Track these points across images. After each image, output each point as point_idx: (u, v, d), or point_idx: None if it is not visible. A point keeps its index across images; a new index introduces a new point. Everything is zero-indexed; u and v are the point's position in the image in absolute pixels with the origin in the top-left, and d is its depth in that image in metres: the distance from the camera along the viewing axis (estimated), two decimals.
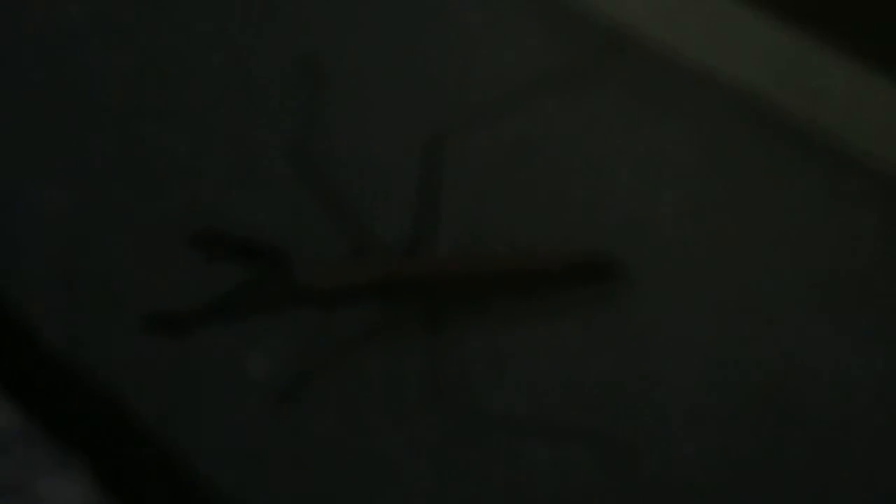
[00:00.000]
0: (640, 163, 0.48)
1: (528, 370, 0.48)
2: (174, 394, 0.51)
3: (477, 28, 0.51)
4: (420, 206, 0.49)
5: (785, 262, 0.47)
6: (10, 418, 0.49)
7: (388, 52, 0.52)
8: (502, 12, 0.51)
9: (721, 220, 0.47)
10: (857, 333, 0.45)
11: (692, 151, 0.48)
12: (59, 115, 0.55)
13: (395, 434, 0.49)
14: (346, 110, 0.52)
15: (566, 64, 0.49)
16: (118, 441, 0.51)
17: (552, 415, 0.48)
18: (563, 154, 0.49)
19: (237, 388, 0.51)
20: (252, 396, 0.50)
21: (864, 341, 0.45)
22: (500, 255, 0.48)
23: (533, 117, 0.49)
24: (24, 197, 0.55)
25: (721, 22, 0.48)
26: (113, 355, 0.52)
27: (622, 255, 0.48)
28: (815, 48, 0.48)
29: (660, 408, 0.47)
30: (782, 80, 0.48)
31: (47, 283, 0.53)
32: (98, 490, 0.48)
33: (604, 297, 0.48)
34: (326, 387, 0.50)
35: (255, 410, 0.50)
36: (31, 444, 0.49)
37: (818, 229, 0.46)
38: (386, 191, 0.50)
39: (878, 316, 0.46)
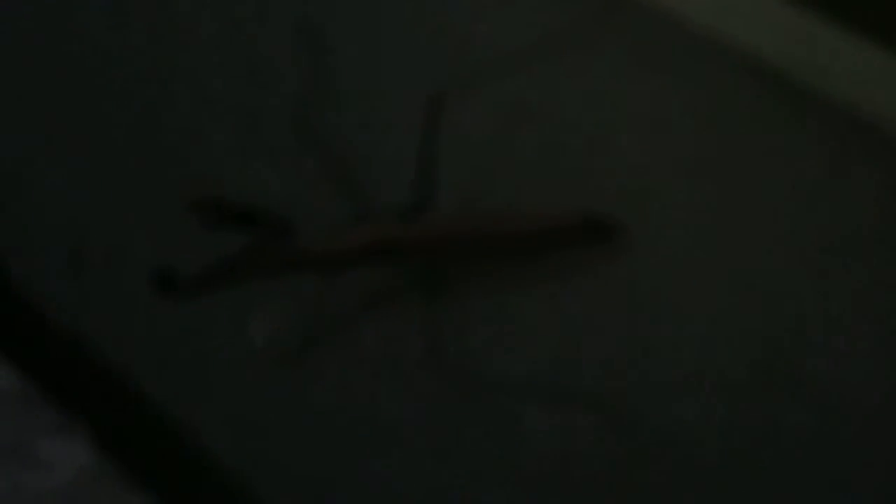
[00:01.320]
0: (640, 126, 0.48)
1: (527, 335, 0.48)
2: (173, 360, 0.51)
3: None
4: (419, 170, 0.49)
5: (788, 227, 0.46)
6: (9, 380, 0.49)
7: (388, 17, 0.51)
8: None
9: (722, 185, 0.47)
10: (860, 300, 0.45)
11: (693, 115, 0.48)
12: (60, 90, 0.55)
13: (394, 399, 0.49)
14: (347, 75, 0.51)
15: (566, 26, 0.49)
16: (117, 406, 0.51)
17: (551, 380, 0.48)
18: (563, 116, 0.49)
19: (237, 354, 0.51)
20: (251, 362, 0.50)
21: (867, 309, 0.45)
22: (499, 217, 0.47)
23: (533, 79, 0.49)
24: (26, 171, 0.55)
25: None
26: (114, 323, 0.52)
27: (623, 219, 0.48)
28: (817, 11, 0.47)
29: (660, 374, 0.47)
30: (784, 42, 0.47)
31: (49, 253, 0.53)
32: (97, 453, 0.48)
33: (604, 262, 0.48)
34: (326, 352, 0.50)
35: (255, 376, 0.50)
36: (31, 407, 0.49)
37: (821, 194, 0.46)
38: (386, 155, 0.50)
39: (883, 282, 0.46)
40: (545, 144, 0.49)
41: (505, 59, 0.49)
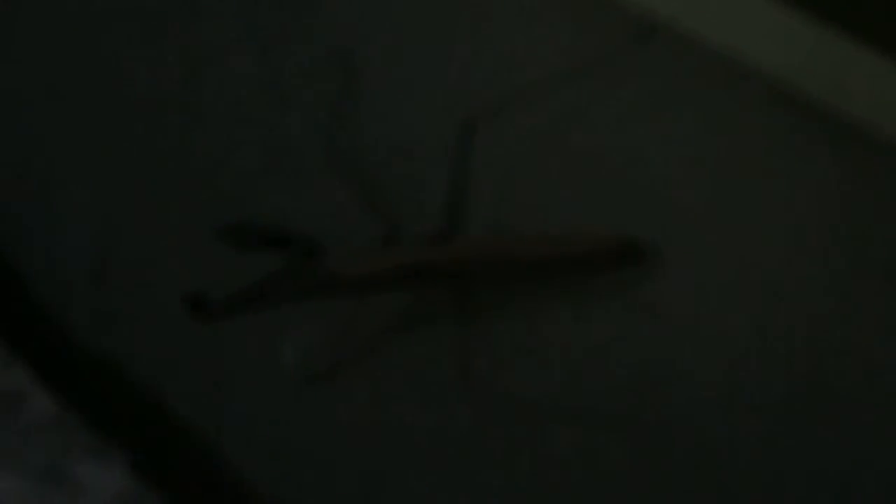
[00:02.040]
0: (669, 149, 0.48)
1: (557, 355, 0.48)
2: (205, 383, 0.51)
3: (507, 16, 0.51)
4: (450, 193, 0.49)
5: (814, 246, 0.46)
6: (47, 405, 0.50)
7: (418, 43, 0.52)
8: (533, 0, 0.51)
9: (751, 207, 0.47)
10: (890, 319, 0.45)
11: (720, 138, 0.48)
12: (91, 109, 0.55)
13: (424, 420, 0.49)
14: (377, 101, 0.52)
15: (595, 51, 0.49)
16: (150, 429, 0.52)
17: (581, 400, 0.48)
18: (593, 140, 0.49)
19: (268, 375, 0.51)
20: (282, 384, 0.51)
21: (893, 323, 0.45)
22: (529, 240, 0.47)
23: (562, 104, 0.49)
24: (56, 191, 0.55)
25: (748, 9, 0.48)
26: (145, 345, 0.52)
27: (653, 242, 0.48)
28: (839, 36, 0.47)
29: (690, 393, 0.47)
30: (808, 66, 0.47)
31: (79, 275, 0.54)
32: (133, 476, 0.48)
33: (634, 282, 0.48)
34: (356, 373, 0.50)
35: (286, 398, 0.50)
36: (68, 431, 0.49)
37: (846, 213, 0.46)
38: (416, 179, 0.51)
39: None
40: (575, 169, 0.49)
41: (535, 85, 0.50)
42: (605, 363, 0.48)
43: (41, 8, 0.57)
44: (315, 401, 0.50)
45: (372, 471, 0.49)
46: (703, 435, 0.46)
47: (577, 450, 0.48)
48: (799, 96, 0.47)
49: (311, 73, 0.53)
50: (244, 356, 0.51)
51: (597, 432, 0.47)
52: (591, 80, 0.49)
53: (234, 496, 0.50)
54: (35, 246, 0.55)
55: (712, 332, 0.47)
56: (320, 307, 0.50)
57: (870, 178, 0.46)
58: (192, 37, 0.54)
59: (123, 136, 0.54)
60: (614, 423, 0.47)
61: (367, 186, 0.51)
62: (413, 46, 0.51)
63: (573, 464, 0.47)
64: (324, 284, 0.47)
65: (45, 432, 0.49)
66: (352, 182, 0.51)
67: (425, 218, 0.50)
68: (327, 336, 0.50)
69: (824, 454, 0.45)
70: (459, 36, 0.51)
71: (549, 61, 0.50)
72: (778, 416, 0.46)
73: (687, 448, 0.46)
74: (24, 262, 0.54)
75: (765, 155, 0.47)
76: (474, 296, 0.49)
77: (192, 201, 0.53)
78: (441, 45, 0.51)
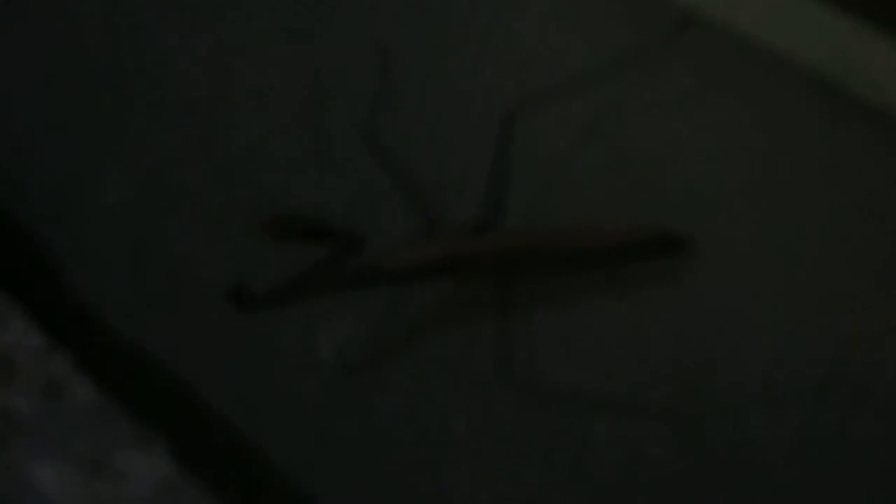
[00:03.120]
0: (706, 141, 0.48)
1: (596, 346, 0.48)
2: (242, 374, 0.52)
3: (545, 8, 0.51)
4: (491, 185, 0.49)
5: (852, 239, 0.47)
6: (88, 394, 0.50)
7: (459, 35, 0.52)
8: None
9: (788, 199, 0.47)
10: None
11: (759, 131, 0.48)
12: (127, 101, 0.55)
13: (463, 411, 0.49)
14: (417, 92, 0.52)
15: (633, 42, 0.49)
16: (186, 419, 0.52)
17: (620, 390, 0.48)
18: (631, 133, 0.49)
19: (305, 367, 0.51)
20: (321, 376, 0.51)
21: None
22: (568, 231, 0.48)
23: (600, 96, 0.49)
24: (92, 183, 0.55)
25: (791, 3, 0.48)
26: (181, 336, 0.52)
27: (693, 234, 0.48)
28: (881, 30, 0.48)
29: (727, 384, 0.47)
30: (847, 57, 0.47)
31: (115, 267, 0.54)
32: (176, 465, 0.49)
33: (673, 274, 0.48)
34: (395, 365, 0.50)
35: (324, 390, 0.51)
36: (110, 419, 0.49)
37: (885, 208, 0.46)
38: (457, 171, 0.51)
39: None
40: (614, 161, 0.49)
41: (574, 78, 0.50)
42: (643, 354, 0.48)
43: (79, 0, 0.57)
44: (352, 393, 0.51)
45: (410, 463, 0.50)
46: (740, 426, 0.47)
47: (616, 441, 0.48)
48: (838, 87, 0.47)
49: (352, 62, 0.53)
50: (281, 347, 0.52)
51: (636, 423, 0.48)
52: (628, 72, 0.49)
53: (272, 488, 0.51)
54: (72, 236, 0.55)
55: (749, 323, 0.47)
56: (358, 299, 0.51)
57: None
58: (228, 27, 0.54)
59: (161, 126, 0.55)
60: (653, 415, 0.47)
61: (408, 178, 0.51)
62: (452, 38, 0.52)
63: (612, 455, 0.48)
64: (366, 275, 0.47)
65: (87, 420, 0.50)
66: (392, 173, 0.51)
67: (466, 209, 0.50)
68: (365, 328, 0.51)
69: (861, 447, 0.45)
70: (498, 28, 0.51)
71: (587, 53, 0.50)
72: (816, 408, 0.46)
73: (725, 439, 0.47)
74: (62, 253, 0.55)
75: (804, 146, 0.47)
76: (514, 287, 0.49)
77: (229, 192, 0.53)
78: (479, 37, 0.51)
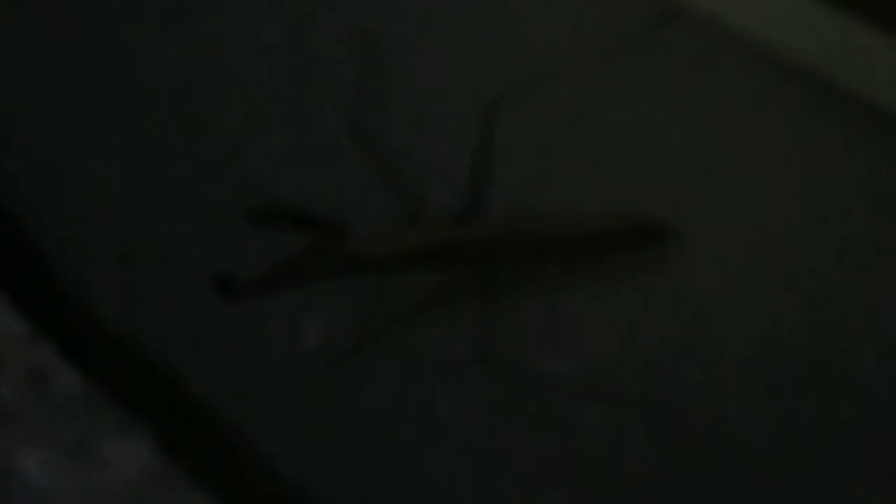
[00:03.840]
0: (688, 131, 0.48)
1: (578, 335, 0.49)
2: (228, 363, 0.52)
3: None
4: (474, 173, 0.49)
5: (835, 225, 0.47)
6: (74, 381, 0.50)
7: (443, 24, 0.52)
8: None
9: (770, 187, 0.48)
10: None
11: (740, 120, 0.48)
12: (115, 92, 0.55)
13: (446, 399, 0.50)
14: (402, 81, 0.52)
15: (617, 33, 0.50)
16: (173, 408, 0.52)
17: (602, 379, 0.48)
18: (614, 122, 0.49)
19: (291, 356, 0.51)
20: (306, 364, 0.51)
21: None
22: (550, 220, 0.48)
23: (583, 86, 0.50)
24: (80, 173, 0.55)
25: None
26: (169, 325, 0.53)
27: (674, 223, 0.48)
28: (861, 21, 0.48)
29: (710, 372, 0.47)
30: (830, 51, 0.48)
31: (104, 255, 0.54)
32: (160, 453, 0.49)
33: (654, 262, 0.48)
34: (379, 353, 0.50)
35: (309, 378, 0.51)
36: (95, 408, 0.50)
37: (868, 196, 0.47)
38: (440, 159, 0.51)
39: None
40: (596, 150, 0.49)
41: (557, 67, 0.50)
42: (626, 342, 0.48)
43: None
44: (338, 381, 0.51)
45: (396, 450, 0.50)
46: (723, 413, 0.47)
47: (599, 427, 0.48)
48: (818, 77, 0.47)
49: (336, 52, 0.53)
50: (268, 337, 0.52)
51: (619, 410, 0.48)
52: (612, 62, 0.49)
53: (257, 475, 0.51)
54: (60, 226, 0.55)
55: (732, 311, 0.47)
56: (344, 288, 0.51)
57: (891, 158, 0.47)
58: (216, 16, 0.54)
59: (148, 116, 0.55)
60: (636, 401, 0.48)
61: (392, 166, 0.51)
62: (437, 26, 0.52)
63: (594, 442, 0.48)
64: (349, 264, 0.47)
65: (72, 408, 0.50)
66: (376, 162, 0.51)
67: (449, 198, 0.50)
68: (351, 317, 0.51)
69: (839, 435, 0.46)
70: (483, 16, 0.51)
71: (571, 43, 0.50)
72: (797, 396, 0.46)
73: (707, 426, 0.47)
74: (50, 242, 0.55)
75: (785, 136, 0.48)
76: (497, 275, 0.49)
77: (217, 181, 0.53)
78: (465, 26, 0.51)
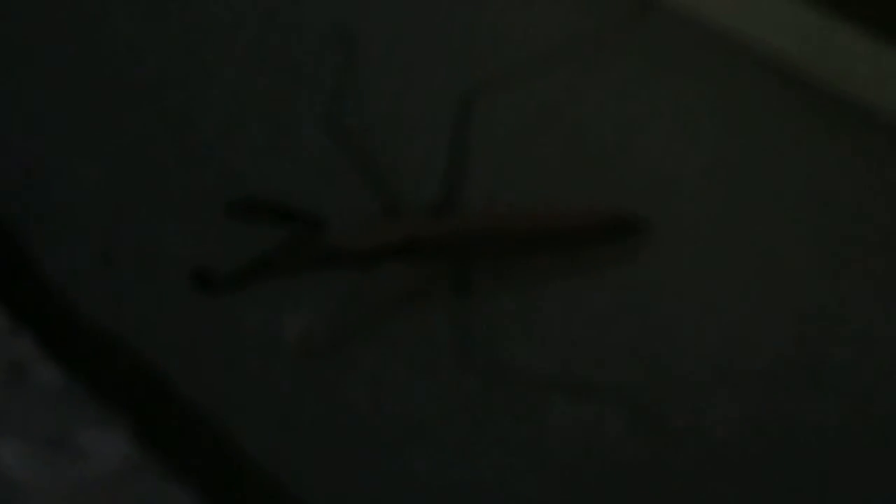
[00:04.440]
0: (664, 126, 0.49)
1: (555, 329, 0.49)
2: (208, 358, 0.52)
3: None
4: (449, 168, 0.49)
5: (809, 222, 0.47)
6: (53, 374, 0.50)
7: (419, 19, 0.52)
8: None
9: (745, 182, 0.48)
10: (884, 292, 0.46)
11: (716, 115, 0.48)
12: (94, 88, 0.56)
13: (423, 394, 0.50)
14: (378, 75, 0.52)
15: (593, 27, 0.50)
16: (156, 402, 0.52)
17: (579, 374, 0.48)
18: (589, 116, 0.49)
19: (269, 351, 0.51)
20: (283, 359, 0.51)
21: (888, 301, 0.46)
22: (526, 214, 0.48)
23: (559, 80, 0.50)
24: (61, 169, 0.55)
25: None
26: (149, 321, 0.53)
27: (649, 216, 0.48)
28: (839, 14, 0.48)
29: (685, 368, 0.47)
30: (806, 43, 0.48)
31: (85, 251, 0.54)
32: (138, 445, 0.49)
33: (630, 257, 0.48)
34: (357, 347, 0.50)
35: (289, 373, 0.51)
36: (74, 400, 0.50)
37: (841, 190, 0.47)
38: (416, 153, 0.51)
39: None
40: (571, 144, 0.49)
41: (532, 61, 0.50)
42: (601, 337, 0.48)
43: None
44: (317, 376, 0.51)
45: (373, 445, 0.50)
46: (698, 408, 0.47)
47: (574, 422, 0.48)
48: (796, 72, 0.48)
49: (314, 48, 0.53)
50: (247, 332, 0.52)
51: (594, 405, 0.48)
52: (588, 56, 0.50)
53: (235, 469, 0.51)
54: (42, 223, 0.55)
55: (706, 306, 0.47)
56: (322, 283, 0.51)
57: (869, 155, 0.47)
58: (195, 13, 0.54)
59: (127, 114, 0.55)
60: (611, 397, 0.48)
61: (368, 161, 0.51)
62: (413, 21, 0.52)
63: (571, 437, 0.48)
64: (325, 257, 0.48)
65: (50, 401, 0.50)
66: (353, 156, 0.51)
67: (425, 192, 0.50)
68: (329, 311, 0.51)
69: (816, 428, 0.46)
70: (459, 11, 0.51)
71: (547, 37, 0.50)
72: (771, 389, 0.46)
73: (682, 421, 0.47)
74: (31, 239, 0.55)
75: (761, 131, 0.48)
76: (473, 269, 0.50)
77: (197, 179, 0.53)
78: (441, 20, 0.51)
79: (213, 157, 0.53)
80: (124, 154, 0.55)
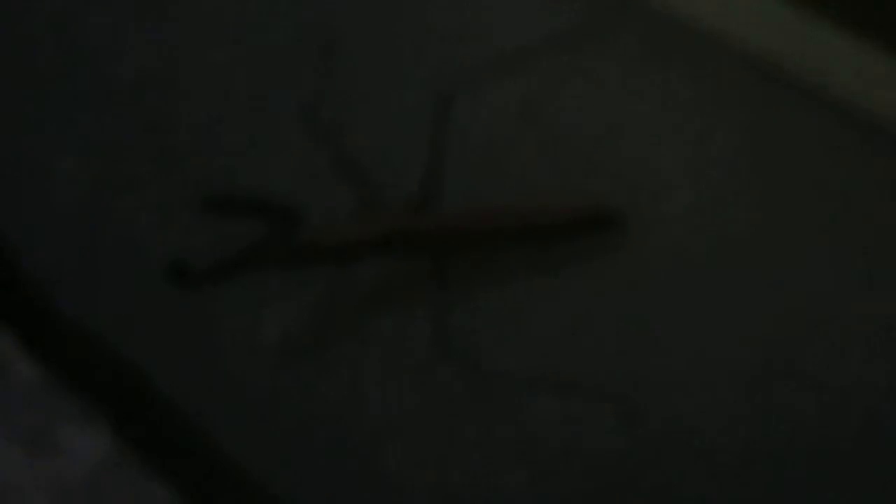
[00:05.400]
0: (647, 121, 0.49)
1: (535, 326, 0.49)
2: (188, 356, 0.52)
3: None
4: (428, 164, 0.49)
5: (792, 218, 0.47)
6: (33, 371, 0.50)
7: (399, 17, 0.52)
8: None
9: (729, 179, 0.48)
10: (869, 291, 0.46)
11: (699, 110, 0.48)
12: (74, 87, 0.56)
13: (402, 391, 0.50)
14: (357, 73, 0.52)
15: (574, 23, 0.50)
16: (135, 399, 0.52)
17: (559, 371, 0.48)
18: (570, 114, 0.49)
19: (248, 348, 0.51)
20: (262, 357, 0.51)
21: (876, 300, 0.46)
22: (505, 209, 0.48)
23: (541, 76, 0.50)
24: (40, 169, 0.55)
25: None
26: (129, 318, 0.53)
27: (629, 212, 0.48)
28: (822, 11, 0.48)
29: (666, 366, 0.47)
30: (791, 41, 0.48)
31: (64, 251, 0.54)
32: (117, 442, 0.49)
33: (610, 255, 0.48)
34: (336, 345, 0.51)
35: (265, 370, 0.51)
36: (52, 396, 0.50)
37: (826, 188, 0.47)
38: (395, 151, 0.51)
39: (880, 276, 0.46)
40: (552, 141, 0.49)
41: (514, 58, 0.50)
42: (582, 334, 0.48)
43: None
44: (296, 374, 0.51)
45: (352, 443, 0.50)
46: (679, 403, 0.47)
47: (555, 422, 0.48)
48: (776, 69, 0.48)
49: (293, 47, 0.53)
50: (226, 330, 0.52)
51: (575, 402, 0.48)
52: (567, 53, 0.50)
53: (214, 467, 0.51)
54: (21, 219, 0.55)
55: (686, 304, 0.47)
56: (301, 282, 0.51)
57: (849, 152, 0.47)
58: (175, 13, 0.55)
59: (108, 112, 0.55)
60: (592, 394, 0.48)
61: (347, 158, 0.51)
62: (392, 19, 0.52)
63: (552, 436, 0.48)
64: (302, 252, 0.48)
65: (30, 398, 0.50)
66: (332, 153, 0.51)
67: (404, 188, 0.51)
68: (307, 309, 0.51)
69: (794, 425, 0.46)
70: (438, 8, 0.51)
71: (527, 34, 0.50)
72: (750, 388, 0.46)
73: (663, 420, 0.47)
74: (10, 236, 0.55)
75: (741, 126, 0.48)
76: (452, 265, 0.50)
77: (177, 177, 0.53)
78: (420, 18, 0.52)
79: (191, 154, 0.53)
80: (103, 151, 0.55)
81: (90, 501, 0.48)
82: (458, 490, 0.48)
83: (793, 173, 0.47)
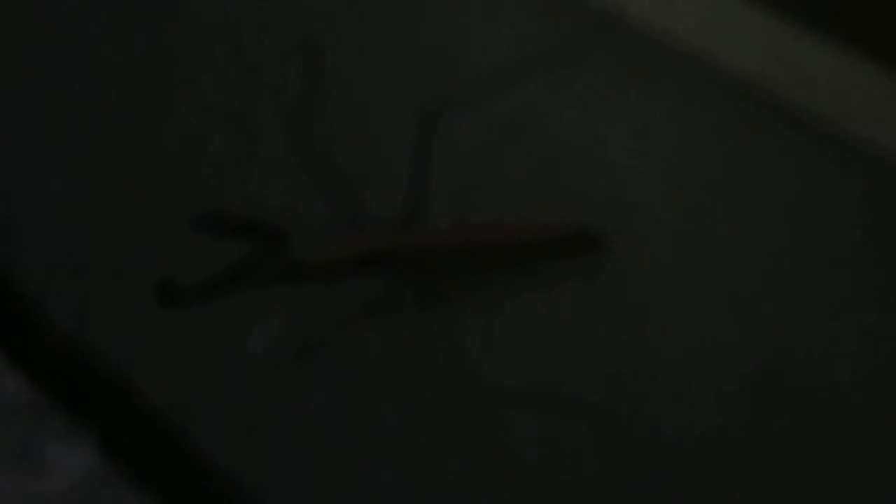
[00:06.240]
0: (628, 140, 0.49)
1: (519, 343, 0.49)
2: (176, 369, 0.52)
3: (469, 8, 0.51)
4: (412, 181, 0.50)
5: (771, 238, 0.47)
6: (18, 387, 0.50)
7: (383, 35, 0.52)
8: None
9: (708, 196, 0.48)
10: (846, 308, 0.46)
11: (679, 129, 0.48)
12: (62, 103, 0.56)
13: (389, 406, 0.50)
14: (343, 91, 0.52)
15: (556, 43, 0.50)
16: (122, 414, 0.52)
17: (543, 387, 0.48)
18: (553, 131, 0.50)
19: (237, 363, 0.51)
20: (251, 372, 0.51)
21: (854, 313, 0.46)
22: (489, 228, 0.48)
23: (523, 95, 0.50)
24: (30, 183, 0.55)
25: (707, 2, 0.49)
26: (118, 333, 0.53)
27: (611, 231, 0.48)
28: (799, 30, 0.48)
29: (648, 382, 0.47)
30: (768, 59, 0.48)
31: (53, 265, 0.54)
32: (103, 457, 0.49)
33: (594, 273, 0.48)
34: (323, 360, 0.51)
35: (254, 385, 0.51)
36: (39, 413, 0.50)
37: (804, 206, 0.47)
38: (380, 168, 0.51)
39: (866, 290, 0.46)
40: (535, 158, 0.50)
41: (497, 76, 0.50)
42: (565, 350, 0.48)
43: (7, 2, 0.57)
44: (283, 388, 0.51)
45: (338, 457, 0.50)
46: (660, 420, 0.47)
47: (538, 436, 0.48)
48: (756, 87, 0.48)
49: (279, 64, 0.53)
50: (215, 344, 0.52)
51: (557, 419, 0.48)
52: (550, 71, 0.50)
53: (204, 480, 0.51)
54: (10, 234, 0.55)
55: (668, 320, 0.47)
56: (289, 296, 0.51)
57: (829, 171, 0.47)
58: (165, 28, 0.55)
59: (97, 127, 0.55)
60: (574, 411, 0.48)
61: (333, 175, 0.51)
62: (377, 37, 0.52)
63: (535, 450, 0.48)
64: (289, 270, 0.48)
65: (16, 413, 0.50)
66: (318, 170, 0.52)
67: (389, 206, 0.51)
68: (295, 324, 0.51)
69: (776, 440, 0.46)
70: (422, 27, 0.52)
71: (509, 52, 0.50)
72: (732, 403, 0.46)
73: (645, 435, 0.47)
74: (0, 250, 0.55)
75: (721, 144, 0.48)
76: (437, 283, 0.50)
77: (165, 191, 0.53)
78: (404, 36, 0.52)
79: (180, 170, 0.53)
80: (94, 166, 0.55)
81: None
82: (443, 502, 0.49)
83: (771, 190, 0.47)
